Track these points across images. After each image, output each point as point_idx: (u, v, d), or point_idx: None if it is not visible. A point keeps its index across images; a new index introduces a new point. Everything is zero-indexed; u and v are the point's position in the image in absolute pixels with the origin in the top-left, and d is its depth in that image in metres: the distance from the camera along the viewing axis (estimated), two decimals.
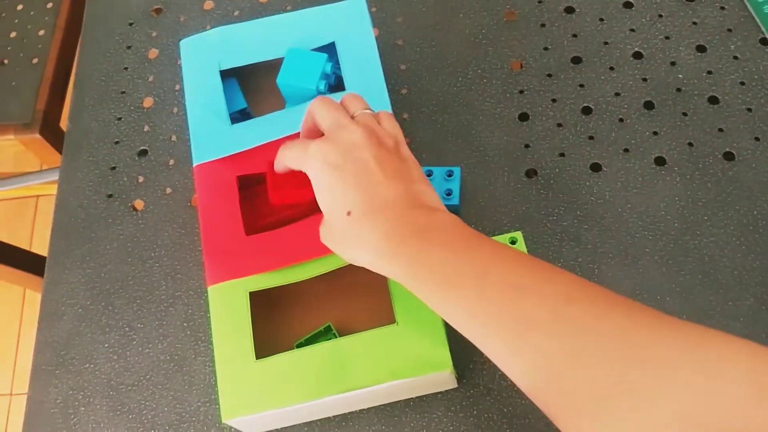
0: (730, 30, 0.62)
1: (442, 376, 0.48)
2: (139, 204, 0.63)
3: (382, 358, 0.47)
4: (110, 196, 0.64)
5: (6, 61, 1.07)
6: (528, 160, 0.59)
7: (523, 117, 0.61)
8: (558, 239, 0.56)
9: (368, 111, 0.47)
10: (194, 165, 0.56)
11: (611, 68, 0.62)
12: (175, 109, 0.66)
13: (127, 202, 0.63)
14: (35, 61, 1.06)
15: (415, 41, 0.66)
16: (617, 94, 0.61)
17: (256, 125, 0.56)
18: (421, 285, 0.41)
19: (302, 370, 0.48)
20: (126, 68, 0.70)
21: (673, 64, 0.61)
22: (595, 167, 0.58)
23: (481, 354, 0.52)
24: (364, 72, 0.57)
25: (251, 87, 0.64)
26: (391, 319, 0.49)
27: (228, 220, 0.53)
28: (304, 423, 0.53)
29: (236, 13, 0.70)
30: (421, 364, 0.47)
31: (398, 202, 0.43)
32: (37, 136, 1.02)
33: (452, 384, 0.51)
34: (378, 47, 0.58)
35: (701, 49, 0.62)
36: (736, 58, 0.61)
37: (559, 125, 0.60)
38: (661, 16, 0.64)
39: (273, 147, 0.54)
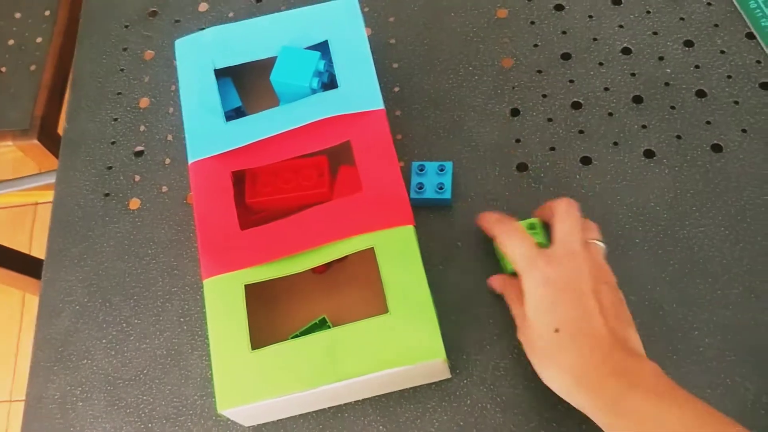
0: (716, 25, 0.63)
1: (435, 366, 0.49)
2: (135, 202, 0.64)
3: (376, 347, 0.48)
4: (107, 195, 0.64)
5: (4, 69, 1.07)
6: (519, 154, 0.60)
7: (514, 112, 0.62)
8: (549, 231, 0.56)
9: (602, 244, 0.50)
10: (190, 162, 0.56)
11: (600, 64, 0.63)
12: (171, 110, 0.67)
13: (123, 200, 0.64)
14: (33, 68, 1.07)
15: (408, 40, 0.67)
16: (606, 89, 0.62)
17: (250, 122, 0.57)
18: (615, 424, 0.42)
19: (297, 360, 0.48)
20: (122, 69, 0.71)
21: (661, 59, 0.62)
22: (585, 161, 0.59)
23: (475, 344, 0.53)
24: (356, 70, 0.57)
25: (246, 86, 0.65)
26: (384, 311, 0.49)
27: (223, 214, 0.53)
28: (299, 415, 0.53)
29: (231, 14, 0.71)
30: (414, 352, 0.47)
31: (608, 338, 0.44)
32: (36, 142, 1.03)
33: (446, 374, 0.52)
34: (371, 46, 0.59)
35: (689, 44, 0.63)
36: (722, 52, 0.62)
37: (550, 120, 0.61)
38: (649, 12, 0.65)
39: (266, 143, 0.55)
